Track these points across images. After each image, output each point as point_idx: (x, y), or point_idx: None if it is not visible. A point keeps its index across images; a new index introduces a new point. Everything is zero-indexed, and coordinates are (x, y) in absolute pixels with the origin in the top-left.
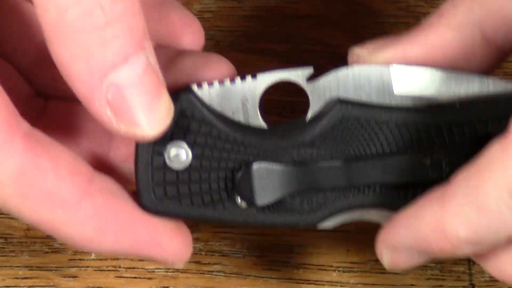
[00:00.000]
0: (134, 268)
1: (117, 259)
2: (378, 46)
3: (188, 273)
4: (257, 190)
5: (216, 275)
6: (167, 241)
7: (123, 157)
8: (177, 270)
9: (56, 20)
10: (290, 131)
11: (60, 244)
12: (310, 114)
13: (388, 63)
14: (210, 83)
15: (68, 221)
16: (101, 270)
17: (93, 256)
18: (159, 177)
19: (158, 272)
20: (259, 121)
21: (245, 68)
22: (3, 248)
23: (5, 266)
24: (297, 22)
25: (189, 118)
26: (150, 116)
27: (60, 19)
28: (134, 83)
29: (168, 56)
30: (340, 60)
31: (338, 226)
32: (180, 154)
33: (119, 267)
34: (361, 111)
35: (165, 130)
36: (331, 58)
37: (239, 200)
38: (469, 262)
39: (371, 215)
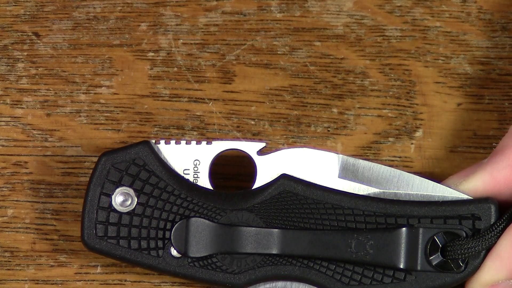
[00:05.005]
0: (140, 281)
1: (123, 272)
2: (467, 174)
3: (195, 286)
4: (191, 241)
5: None
6: None
7: None
8: (183, 284)
9: None
10: (233, 196)
11: (66, 258)
12: (255, 185)
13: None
14: (167, 142)
15: None
16: (107, 284)
17: (99, 270)
18: (103, 217)
19: (164, 285)
20: (207, 183)
21: (251, 81)
22: (9, 261)
23: (11, 280)
24: (302, 35)
25: (140, 168)
26: None
27: None
28: None
29: None
30: (345, 73)
31: None
32: (126, 199)
33: (125, 280)
34: (301, 188)
35: None
36: (336, 71)
37: (173, 251)
38: None
39: None
